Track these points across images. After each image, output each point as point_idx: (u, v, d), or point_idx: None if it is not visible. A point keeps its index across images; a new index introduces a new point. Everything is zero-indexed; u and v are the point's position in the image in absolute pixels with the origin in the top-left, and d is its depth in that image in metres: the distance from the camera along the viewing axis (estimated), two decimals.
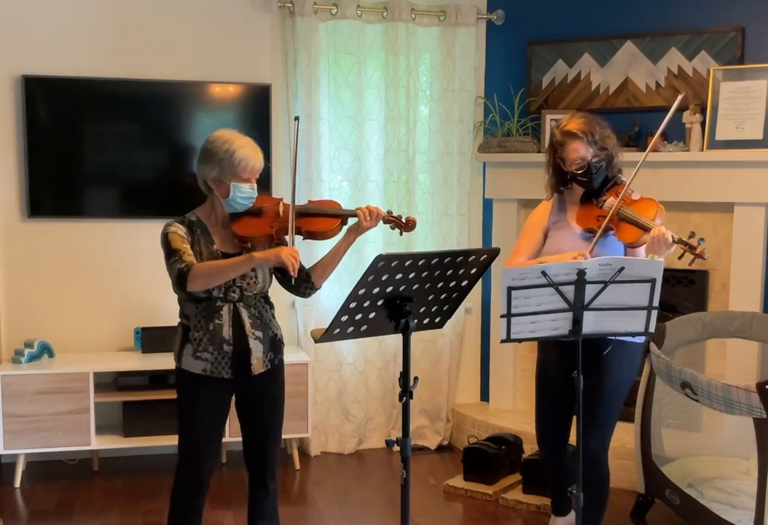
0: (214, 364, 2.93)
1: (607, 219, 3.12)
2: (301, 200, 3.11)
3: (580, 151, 3.16)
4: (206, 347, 2.92)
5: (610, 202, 3.15)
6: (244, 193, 2.91)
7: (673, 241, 2.96)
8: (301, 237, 3.01)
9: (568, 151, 3.18)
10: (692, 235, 2.97)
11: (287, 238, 2.92)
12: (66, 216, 4.68)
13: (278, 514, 3.15)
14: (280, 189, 4.73)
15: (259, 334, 2.96)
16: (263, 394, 3.04)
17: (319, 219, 3.00)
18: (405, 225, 3.03)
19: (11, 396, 4.29)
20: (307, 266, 3.08)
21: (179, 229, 2.91)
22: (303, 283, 3.04)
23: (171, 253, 2.86)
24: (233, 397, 3.05)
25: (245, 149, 2.90)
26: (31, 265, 4.67)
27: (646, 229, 3.05)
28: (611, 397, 3.26)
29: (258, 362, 2.96)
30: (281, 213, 2.98)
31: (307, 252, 4.47)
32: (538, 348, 3.51)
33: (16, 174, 4.61)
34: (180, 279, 2.80)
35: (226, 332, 2.92)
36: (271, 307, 3.06)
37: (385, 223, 3.03)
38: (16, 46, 4.55)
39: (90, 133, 4.67)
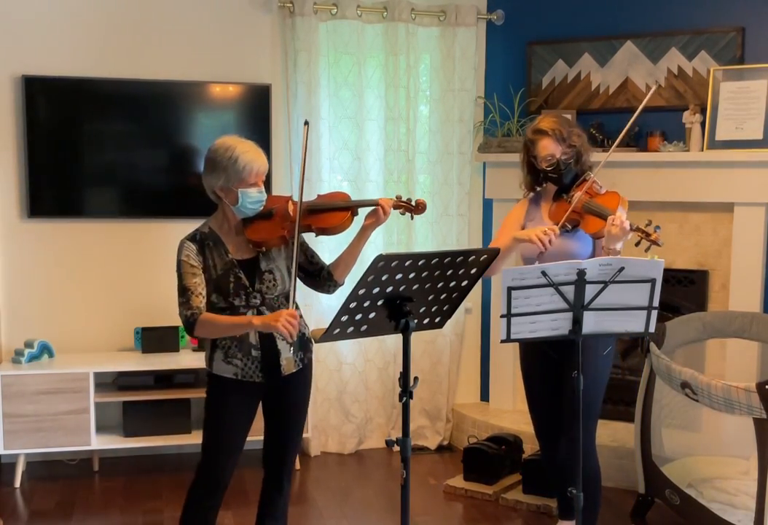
0: (244, 370, 2.94)
1: (570, 210, 3.23)
2: (310, 195, 3.09)
3: (550, 148, 3.30)
4: (235, 353, 2.93)
5: (577, 196, 3.27)
6: (253, 198, 2.90)
7: (631, 229, 3.07)
8: (314, 234, 3.02)
9: (538, 149, 3.32)
10: (649, 223, 3.06)
11: (292, 269, 2.87)
12: (66, 216, 4.68)
13: (287, 516, 3.14)
14: (279, 189, 4.73)
15: None
16: (291, 395, 3.04)
17: (329, 214, 2.99)
18: (415, 208, 3.05)
19: (11, 396, 4.29)
20: (327, 262, 3.12)
21: (191, 253, 2.88)
22: (326, 280, 3.06)
23: (181, 290, 2.87)
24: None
25: (248, 154, 2.88)
26: (31, 265, 4.67)
27: (607, 219, 3.15)
28: (591, 388, 3.25)
29: (288, 362, 2.97)
30: (291, 213, 2.97)
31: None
32: (521, 348, 3.53)
33: (16, 174, 4.61)
34: (187, 325, 2.84)
35: (253, 337, 2.92)
36: (296, 307, 3.02)
37: (395, 208, 3.03)
38: (16, 46, 4.55)
39: (90, 133, 4.67)
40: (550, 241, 3.12)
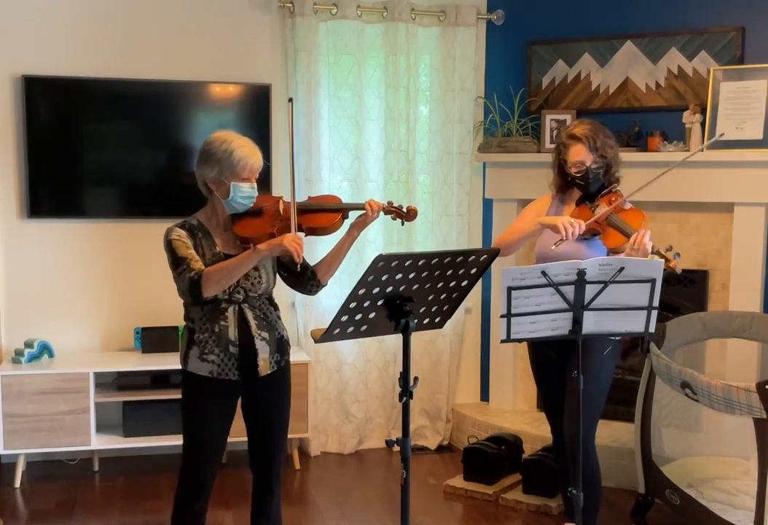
0: (220, 366, 2.91)
1: (593, 220, 3.23)
2: (301, 197, 3.10)
3: (581, 155, 3.30)
4: (212, 349, 2.91)
5: (602, 208, 3.27)
6: (244, 193, 2.90)
7: (651, 252, 3.05)
8: (303, 233, 3.00)
9: (570, 154, 3.32)
10: (669, 248, 3.04)
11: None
12: (66, 216, 4.68)
13: (281, 516, 3.14)
14: (280, 188, 4.73)
15: (265, 335, 2.95)
16: (270, 396, 3.02)
17: (320, 214, 2.99)
18: (406, 215, 3.03)
19: (11, 396, 4.29)
20: (311, 263, 3.08)
21: (181, 234, 2.89)
22: (309, 280, 3.04)
23: (178, 261, 2.84)
24: (239, 399, 3.04)
25: (244, 148, 2.89)
26: (31, 265, 4.67)
27: (629, 237, 3.15)
28: (593, 386, 3.26)
29: (264, 363, 2.95)
30: (282, 211, 2.97)
31: (310, 249, 4.48)
32: (528, 346, 3.53)
33: (16, 174, 4.61)
34: (193, 288, 2.79)
35: (232, 333, 2.91)
36: (276, 308, 3.04)
37: (386, 213, 3.02)
38: (16, 46, 4.54)
39: (90, 133, 4.67)
40: (573, 233, 3.13)
